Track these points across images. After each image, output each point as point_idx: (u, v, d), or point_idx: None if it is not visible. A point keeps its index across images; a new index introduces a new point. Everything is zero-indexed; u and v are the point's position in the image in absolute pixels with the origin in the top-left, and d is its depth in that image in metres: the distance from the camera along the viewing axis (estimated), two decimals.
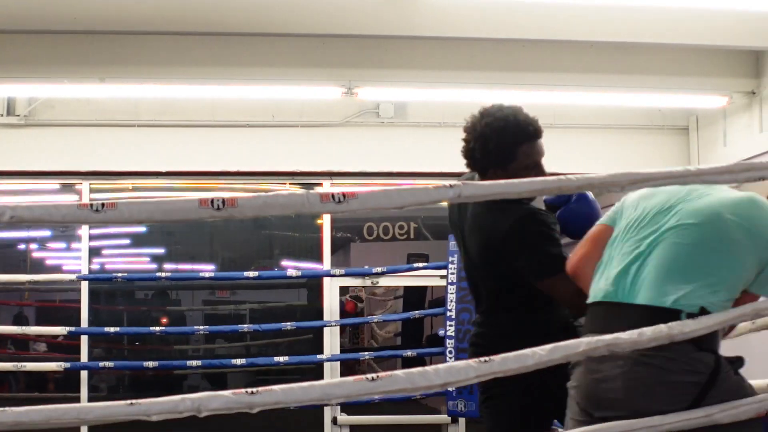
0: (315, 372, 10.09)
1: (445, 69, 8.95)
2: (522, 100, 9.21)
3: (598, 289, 3.58)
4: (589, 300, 3.62)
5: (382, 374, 2.88)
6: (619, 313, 3.46)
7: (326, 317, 10.14)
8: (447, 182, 3.04)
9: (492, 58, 8.92)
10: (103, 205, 2.77)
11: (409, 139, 9.91)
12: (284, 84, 9.04)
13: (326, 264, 10.21)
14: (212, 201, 2.83)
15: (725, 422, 3.18)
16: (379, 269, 9.59)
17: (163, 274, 9.71)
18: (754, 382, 3.52)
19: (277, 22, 7.67)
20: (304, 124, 9.81)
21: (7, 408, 2.66)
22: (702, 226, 3.47)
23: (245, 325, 9.58)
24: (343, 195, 2.95)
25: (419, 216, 11.31)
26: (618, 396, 3.39)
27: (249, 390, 2.77)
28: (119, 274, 9.53)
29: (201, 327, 9.76)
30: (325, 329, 10.08)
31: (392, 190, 3.06)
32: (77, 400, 9.34)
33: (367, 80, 9.01)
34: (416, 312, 10.08)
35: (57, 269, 11.34)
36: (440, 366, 2.96)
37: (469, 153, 4.25)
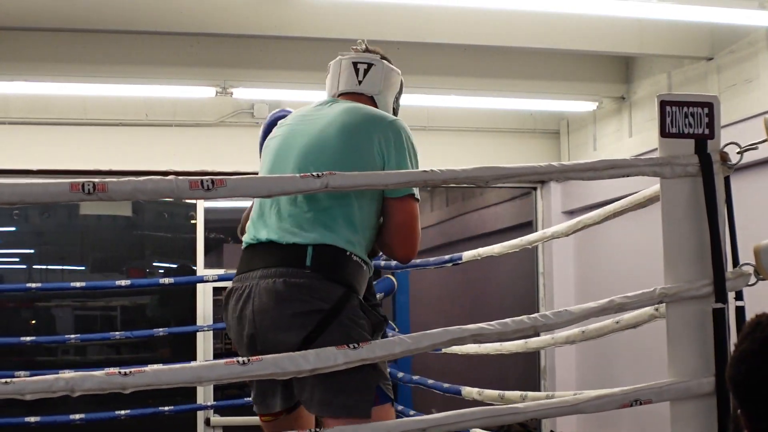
0: None
1: (319, 70, 8.83)
2: None
3: None
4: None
5: (253, 359, 2.90)
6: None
7: (199, 321, 10.08)
8: (315, 173, 3.08)
9: None
10: None
11: None
12: (158, 83, 8.96)
13: (200, 265, 10.15)
14: (83, 185, 2.86)
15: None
16: None
17: (34, 285, 9.51)
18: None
19: (151, 19, 7.60)
20: (178, 124, 9.74)
21: None
22: None
23: (117, 333, 9.44)
24: (212, 181, 3.00)
25: None
26: (252, 328, 3.52)
27: (122, 371, 2.78)
28: None
29: (72, 336, 9.58)
30: (198, 334, 10.03)
31: (260, 178, 3.10)
32: None
33: (242, 80, 9.00)
34: None
35: None
36: (309, 351, 2.99)
37: None
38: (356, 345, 3.03)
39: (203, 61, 8.85)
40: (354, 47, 4.03)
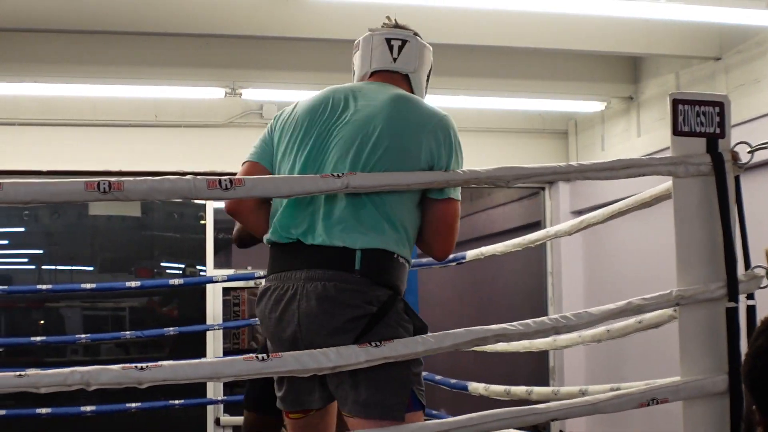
0: None
1: (328, 71, 8.91)
2: None
3: None
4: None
5: (273, 355, 2.89)
6: None
7: (209, 321, 10.10)
8: (336, 173, 3.08)
9: None
10: None
11: None
12: (167, 84, 8.99)
13: (209, 265, 10.17)
14: (98, 184, 2.84)
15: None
16: (261, 272, 9.56)
17: (44, 287, 9.52)
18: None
19: (160, 21, 7.62)
20: (187, 125, 9.77)
21: None
22: None
23: (128, 332, 9.43)
24: (230, 181, 2.99)
25: None
26: (297, 331, 3.39)
27: (138, 365, 2.77)
28: None
29: (83, 336, 9.59)
30: (207, 333, 10.05)
31: (280, 178, 3.09)
32: None
33: (251, 81, 9.02)
34: None
35: None
36: (331, 349, 3.00)
37: None
38: (378, 343, 3.03)
39: (212, 62, 8.88)
40: (384, 22, 3.87)
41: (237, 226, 4.79)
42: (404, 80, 3.75)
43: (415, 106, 3.58)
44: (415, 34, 3.84)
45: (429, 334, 3.17)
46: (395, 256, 3.42)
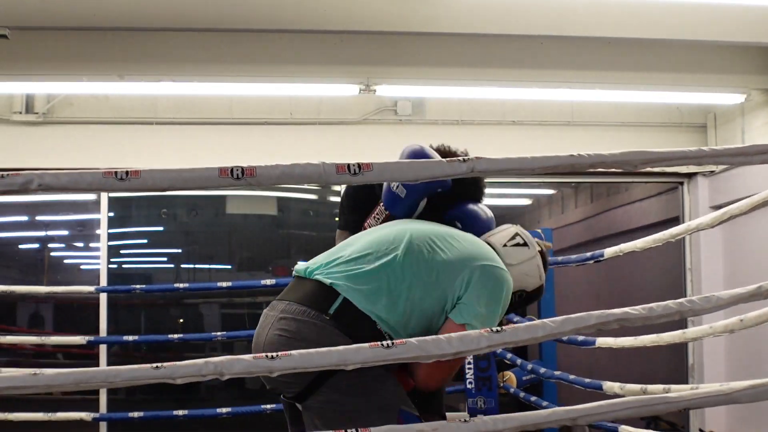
0: None
1: (462, 66, 8.94)
2: (539, 97, 9.26)
3: None
4: None
5: (397, 341, 2.88)
6: None
7: None
8: (460, 157, 3.05)
9: (510, 55, 8.91)
10: (127, 173, 2.83)
11: (426, 136, 9.84)
12: (302, 81, 9.04)
13: None
14: (231, 170, 2.89)
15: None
16: None
17: (181, 285, 9.66)
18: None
19: (294, 18, 7.67)
20: (322, 122, 9.81)
21: (38, 371, 2.72)
22: None
23: None
24: (359, 166, 2.99)
25: None
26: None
27: (269, 354, 2.80)
28: (138, 286, 9.55)
29: (219, 333, 9.73)
30: None
31: (407, 162, 3.08)
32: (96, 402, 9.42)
33: (385, 77, 9.01)
34: None
35: (75, 269, 11.37)
36: (453, 335, 2.97)
37: None
38: (499, 328, 2.97)
39: (346, 59, 8.89)
40: None
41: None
42: None
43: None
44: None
45: (550, 318, 3.10)
46: (376, 325, 3.43)
